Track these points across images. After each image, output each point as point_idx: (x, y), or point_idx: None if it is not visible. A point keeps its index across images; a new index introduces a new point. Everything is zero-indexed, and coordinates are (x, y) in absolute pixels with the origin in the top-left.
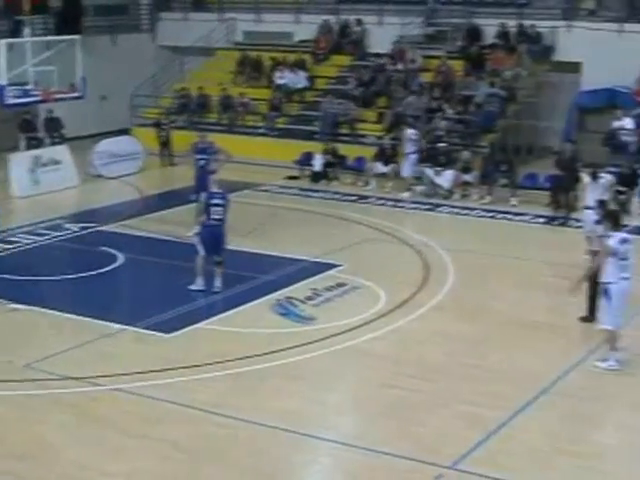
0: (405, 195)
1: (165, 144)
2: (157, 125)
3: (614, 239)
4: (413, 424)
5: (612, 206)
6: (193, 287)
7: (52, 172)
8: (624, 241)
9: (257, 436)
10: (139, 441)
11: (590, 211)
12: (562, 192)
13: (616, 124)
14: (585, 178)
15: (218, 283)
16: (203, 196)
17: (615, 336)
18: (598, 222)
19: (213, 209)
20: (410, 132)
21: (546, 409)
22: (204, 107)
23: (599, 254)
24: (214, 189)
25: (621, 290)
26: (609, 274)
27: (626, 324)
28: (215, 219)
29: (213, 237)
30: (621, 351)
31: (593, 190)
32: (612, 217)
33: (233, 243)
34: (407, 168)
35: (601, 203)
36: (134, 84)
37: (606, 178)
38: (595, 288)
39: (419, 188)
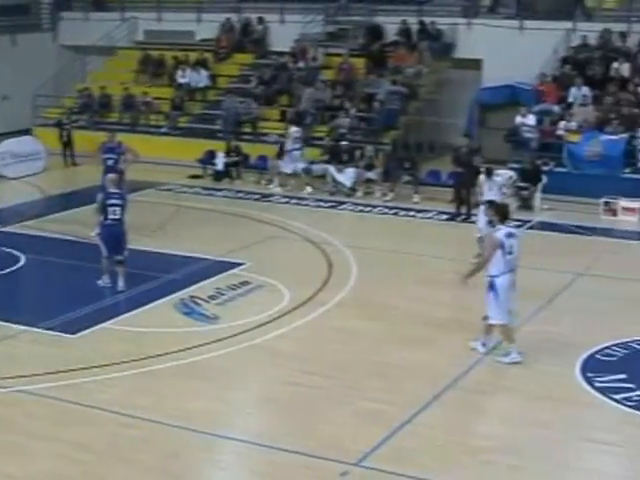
0: (308, 190)
1: (67, 144)
2: (59, 125)
3: (501, 232)
4: (318, 422)
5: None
6: (100, 282)
7: None
8: (510, 235)
9: (163, 436)
10: (43, 443)
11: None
12: (463, 188)
13: (518, 120)
14: (480, 176)
15: (121, 283)
16: (100, 196)
17: (509, 329)
18: (489, 222)
19: (110, 209)
20: (294, 129)
21: (450, 405)
22: (106, 107)
23: (487, 247)
24: (111, 189)
25: (505, 283)
26: (495, 267)
27: (529, 319)
28: (113, 219)
29: (113, 236)
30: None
31: (489, 188)
32: (500, 211)
33: (137, 242)
34: (288, 165)
35: (490, 203)
36: (36, 84)
37: (502, 176)
38: None
39: (309, 188)
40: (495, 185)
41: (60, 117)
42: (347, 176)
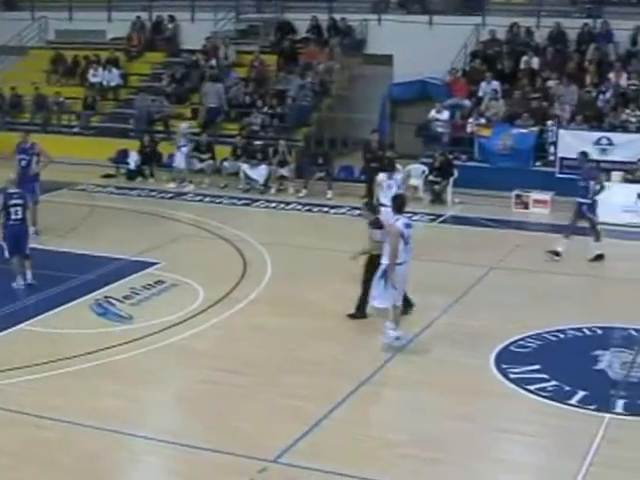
0: (190, 187)
1: None
2: None
3: (400, 222)
4: (235, 419)
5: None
6: (14, 285)
7: None
8: (408, 225)
9: (80, 437)
10: None
11: (387, 209)
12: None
13: (432, 115)
14: (379, 175)
15: (29, 275)
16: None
17: (398, 312)
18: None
19: (12, 209)
20: (183, 126)
21: (366, 400)
22: (17, 107)
23: (390, 237)
24: (11, 189)
25: (403, 272)
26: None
27: (443, 312)
28: (15, 219)
29: (15, 237)
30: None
31: (389, 187)
32: (397, 202)
33: (51, 243)
34: (180, 160)
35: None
36: None
37: (401, 174)
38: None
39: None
40: (393, 185)
41: None
42: (260, 173)
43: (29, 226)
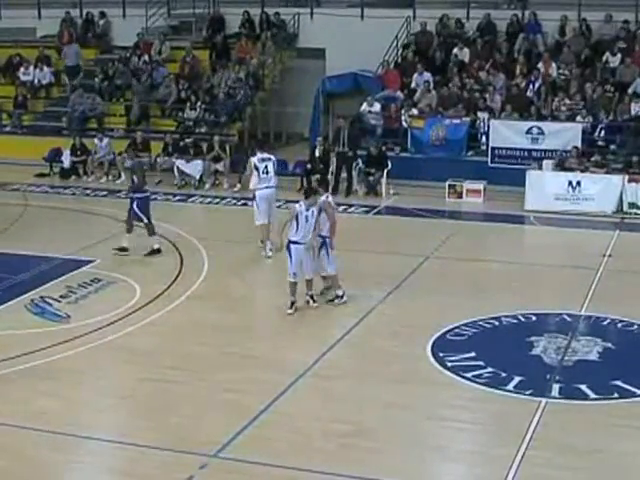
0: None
1: None
2: None
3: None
4: (174, 415)
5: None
6: None
7: None
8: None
9: (14, 439)
10: None
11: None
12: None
13: (364, 108)
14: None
15: None
16: None
17: (337, 277)
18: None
19: None
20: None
21: (306, 392)
22: None
23: (331, 213)
24: None
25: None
26: (326, 229)
27: (380, 302)
28: None
29: None
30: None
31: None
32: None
33: None
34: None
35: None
36: None
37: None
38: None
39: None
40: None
41: None
42: (195, 169)
43: None
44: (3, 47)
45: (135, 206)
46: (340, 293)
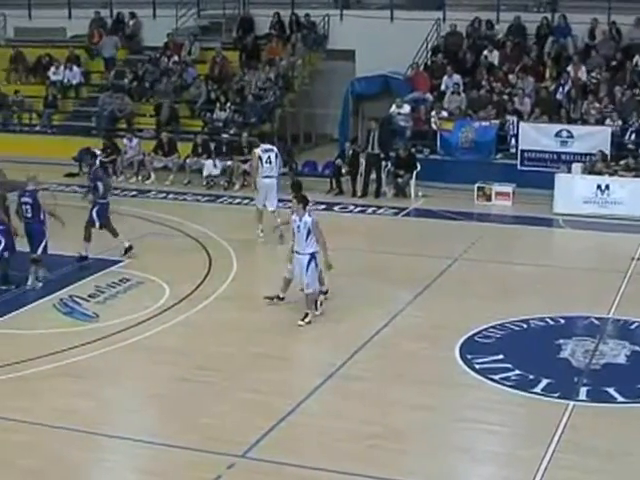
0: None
1: None
2: None
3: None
4: (202, 415)
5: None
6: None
7: None
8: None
9: (45, 438)
10: None
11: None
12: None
13: (392, 110)
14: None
15: (29, 280)
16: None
17: (313, 299)
18: None
19: (23, 207)
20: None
21: (333, 393)
22: None
23: (319, 230)
24: (27, 187)
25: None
26: (314, 246)
27: (408, 304)
28: (25, 217)
29: (26, 235)
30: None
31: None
32: (304, 200)
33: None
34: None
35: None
36: None
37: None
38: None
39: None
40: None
41: None
42: (223, 170)
43: (41, 225)
44: (33, 47)
45: (95, 211)
46: (308, 319)
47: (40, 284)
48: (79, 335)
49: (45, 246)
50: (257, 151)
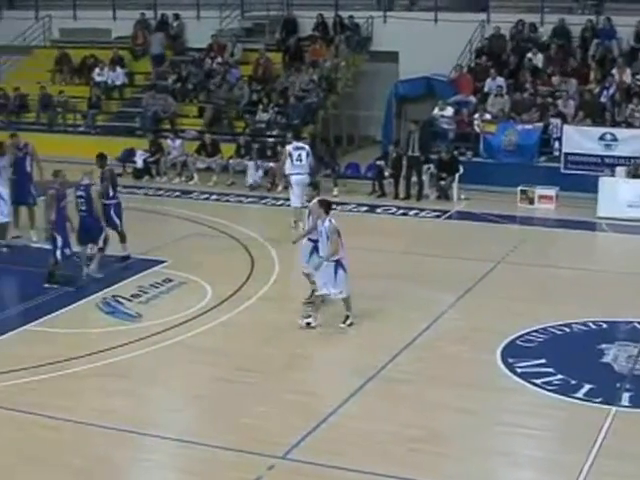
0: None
1: None
2: None
3: (333, 220)
4: (243, 416)
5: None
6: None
7: None
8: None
9: (88, 437)
10: None
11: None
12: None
13: (435, 112)
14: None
15: (88, 269)
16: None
17: (318, 302)
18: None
19: (78, 200)
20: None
21: (374, 395)
22: (23, 107)
23: (333, 236)
24: (82, 181)
25: (347, 264)
26: (340, 251)
27: (450, 307)
28: (80, 210)
29: (80, 228)
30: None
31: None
32: (325, 204)
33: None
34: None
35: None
36: None
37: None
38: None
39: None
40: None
41: None
42: (266, 171)
43: (98, 219)
44: (78, 48)
45: (112, 213)
46: (312, 320)
47: (100, 275)
48: (122, 335)
49: (105, 239)
50: (288, 148)
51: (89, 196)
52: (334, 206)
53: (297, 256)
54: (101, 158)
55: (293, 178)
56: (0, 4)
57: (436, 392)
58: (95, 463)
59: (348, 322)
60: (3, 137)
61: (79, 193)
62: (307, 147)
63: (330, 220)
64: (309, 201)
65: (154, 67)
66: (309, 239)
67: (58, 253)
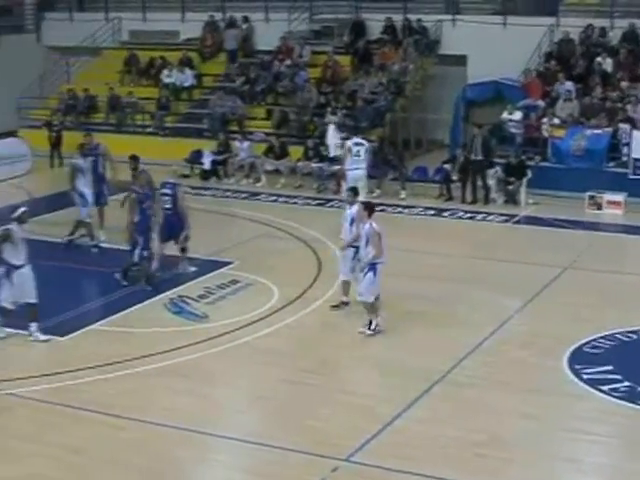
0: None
1: (56, 145)
2: (48, 126)
3: (374, 224)
4: (308, 418)
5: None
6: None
7: None
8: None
9: (155, 437)
10: (32, 445)
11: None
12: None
13: (503, 116)
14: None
15: (181, 267)
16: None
17: (377, 305)
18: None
19: (164, 198)
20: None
21: (440, 399)
22: (92, 107)
23: (373, 239)
24: (168, 180)
25: (381, 269)
26: (381, 256)
27: (517, 312)
28: (165, 208)
29: (164, 225)
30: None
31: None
32: (369, 207)
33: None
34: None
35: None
36: (20, 85)
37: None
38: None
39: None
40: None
41: (49, 118)
42: (332, 173)
43: (183, 217)
44: (147, 49)
45: None
46: (374, 325)
47: (193, 268)
48: (188, 335)
49: (186, 237)
50: (349, 143)
51: (175, 195)
52: (377, 208)
53: None
54: (134, 159)
55: (350, 173)
56: (71, 6)
57: (502, 397)
58: (162, 463)
59: (372, 327)
60: (74, 138)
61: (165, 191)
62: (366, 143)
63: (371, 224)
64: (350, 204)
65: (229, 63)
66: (351, 246)
67: (137, 254)
